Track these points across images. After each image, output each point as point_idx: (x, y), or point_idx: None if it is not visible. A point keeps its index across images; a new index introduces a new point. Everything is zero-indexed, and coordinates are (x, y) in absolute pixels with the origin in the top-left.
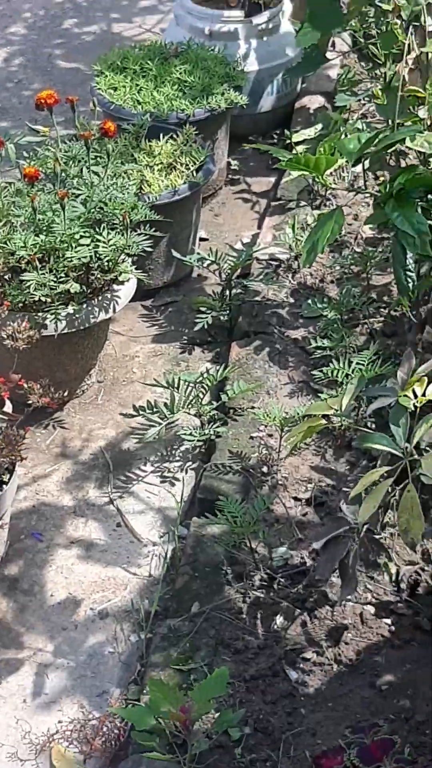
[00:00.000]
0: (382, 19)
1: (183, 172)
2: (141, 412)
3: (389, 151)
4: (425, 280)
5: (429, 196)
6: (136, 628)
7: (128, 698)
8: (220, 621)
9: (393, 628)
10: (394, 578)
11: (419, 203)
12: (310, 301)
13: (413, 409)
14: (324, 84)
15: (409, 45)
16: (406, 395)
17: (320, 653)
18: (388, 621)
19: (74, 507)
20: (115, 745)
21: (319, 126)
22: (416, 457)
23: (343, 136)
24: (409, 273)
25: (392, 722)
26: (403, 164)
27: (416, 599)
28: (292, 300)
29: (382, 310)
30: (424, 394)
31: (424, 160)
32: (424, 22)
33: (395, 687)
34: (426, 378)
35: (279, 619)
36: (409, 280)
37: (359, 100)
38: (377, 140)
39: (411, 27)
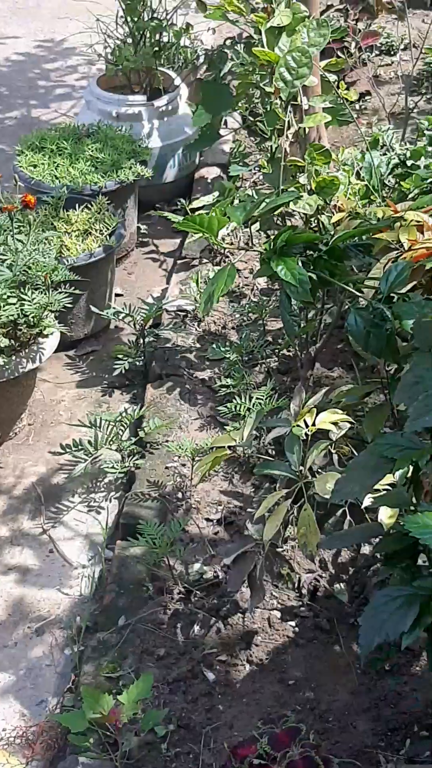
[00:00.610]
0: (266, 99)
1: (98, 237)
2: (68, 450)
3: (276, 212)
4: (310, 323)
5: (308, 252)
6: (70, 642)
7: (65, 705)
8: (144, 632)
9: (297, 629)
10: (296, 586)
11: (300, 257)
12: (214, 346)
13: (305, 437)
14: (219, 157)
15: (288, 122)
16: (298, 425)
17: (234, 655)
18: (293, 623)
19: (10, 537)
20: (54, 748)
21: (216, 193)
22: (310, 479)
23: (236, 202)
24: (294, 318)
25: (299, 712)
26: (288, 224)
27: (316, 603)
28: (198, 345)
29: (277, 351)
30: (314, 424)
31: (307, 220)
32: (300, 101)
33: (301, 681)
34: (315, 409)
35: (196, 628)
36: (294, 323)
37: (250, 170)
38: (262, 205)
39: (290, 106)
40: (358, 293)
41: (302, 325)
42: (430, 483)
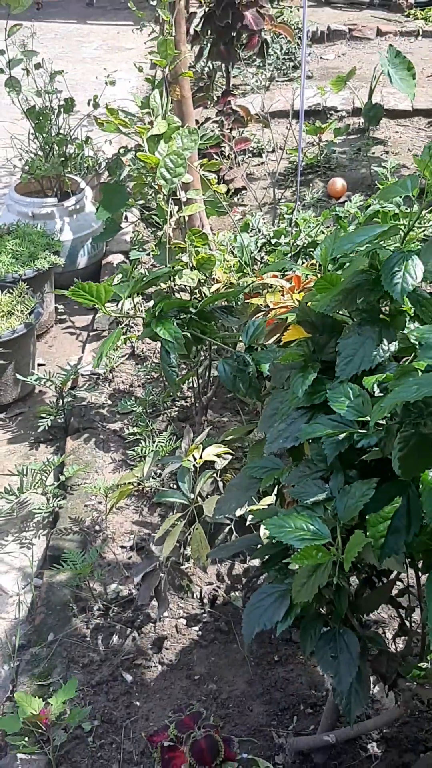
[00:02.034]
0: (156, 196)
1: (19, 316)
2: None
3: (165, 286)
4: (187, 374)
5: (182, 315)
6: (7, 659)
7: (5, 713)
8: (70, 644)
9: (200, 633)
10: (198, 596)
11: (175, 320)
12: (123, 401)
13: (194, 468)
14: (122, 245)
15: (170, 212)
16: (188, 459)
17: (148, 659)
18: (197, 628)
19: None
20: None
21: (120, 275)
22: (200, 503)
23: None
24: (173, 369)
25: (204, 702)
26: (178, 297)
27: (216, 610)
28: (110, 402)
29: (177, 402)
30: (201, 457)
31: (191, 292)
32: (179, 195)
33: (205, 676)
34: (201, 446)
35: (115, 638)
36: (174, 374)
37: (147, 254)
38: (145, 280)
39: (171, 199)
40: (225, 346)
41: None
42: (290, 495)
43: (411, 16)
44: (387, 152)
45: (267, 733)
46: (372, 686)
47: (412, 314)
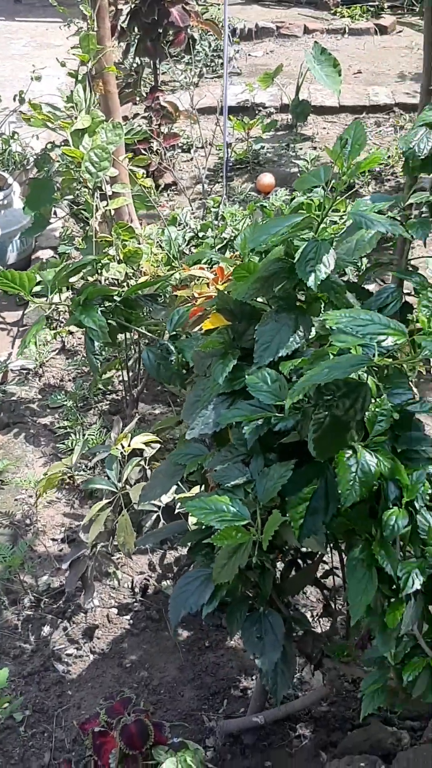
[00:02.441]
0: (83, 190)
1: None
2: None
3: (93, 278)
4: (111, 362)
5: (106, 303)
6: None
7: None
8: (0, 636)
9: (132, 621)
10: (130, 585)
11: (99, 307)
12: (53, 396)
13: (122, 457)
14: (52, 240)
15: (96, 205)
16: (116, 448)
17: (79, 648)
18: (128, 617)
19: None
20: None
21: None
22: (128, 490)
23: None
24: (97, 356)
25: (136, 689)
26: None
27: (147, 598)
28: (40, 396)
29: (108, 396)
30: (129, 445)
31: (119, 285)
32: (105, 189)
33: (136, 663)
34: (130, 435)
35: (46, 629)
36: (98, 361)
37: (75, 248)
38: (69, 268)
39: (97, 193)
40: (149, 333)
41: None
42: (212, 479)
43: (338, 14)
44: (315, 148)
45: (198, 717)
46: (301, 668)
47: (327, 301)
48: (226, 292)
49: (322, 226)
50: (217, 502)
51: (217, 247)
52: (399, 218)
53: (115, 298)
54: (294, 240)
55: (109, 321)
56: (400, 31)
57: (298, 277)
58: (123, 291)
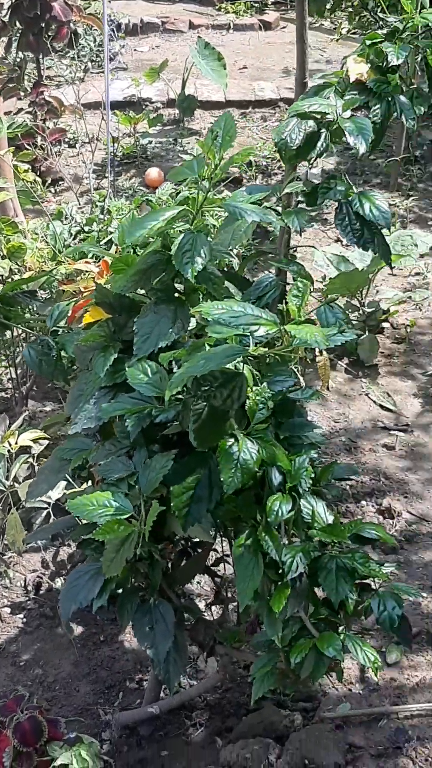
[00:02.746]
0: None
1: None
2: None
3: None
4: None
5: None
6: None
7: None
8: None
9: (25, 620)
10: (23, 584)
11: None
12: None
13: (9, 454)
14: None
15: None
16: (3, 446)
17: None
18: (21, 616)
19: None
20: None
21: None
22: (16, 488)
23: None
24: None
25: (30, 687)
26: None
27: (40, 596)
28: None
29: None
30: (16, 443)
31: (3, 281)
32: None
33: (30, 661)
34: (17, 432)
35: None
36: None
37: None
38: None
39: None
40: (30, 330)
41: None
42: (98, 473)
43: (222, 10)
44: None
45: (94, 711)
46: (195, 656)
47: (205, 292)
48: (105, 285)
49: (198, 218)
50: (99, 498)
51: (103, 241)
52: (278, 208)
53: None
54: (171, 232)
55: None
56: (284, 27)
57: (176, 268)
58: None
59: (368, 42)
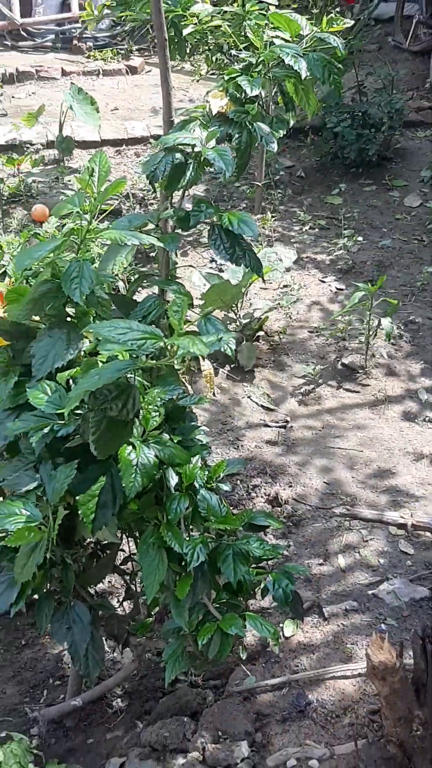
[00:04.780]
0: None
1: None
2: None
3: None
4: None
5: None
6: None
7: None
8: None
9: None
10: None
11: None
12: None
13: None
14: None
15: None
16: None
17: None
18: None
19: None
20: None
21: None
22: None
23: None
24: None
25: None
26: None
27: None
28: None
29: None
30: None
31: None
32: None
33: None
34: None
35: None
36: None
37: None
38: None
39: None
40: None
41: None
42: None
43: (91, 57)
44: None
45: (21, 710)
46: (111, 649)
47: (94, 314)
48: (1, 315)
49: (83, 247)
50: (9, 507)
51: None
52: (156, 234)
53: None
54: (59, 262)
55: None
56: (149, 71)
57: (66, 294)
58: None
59: (227, 77)
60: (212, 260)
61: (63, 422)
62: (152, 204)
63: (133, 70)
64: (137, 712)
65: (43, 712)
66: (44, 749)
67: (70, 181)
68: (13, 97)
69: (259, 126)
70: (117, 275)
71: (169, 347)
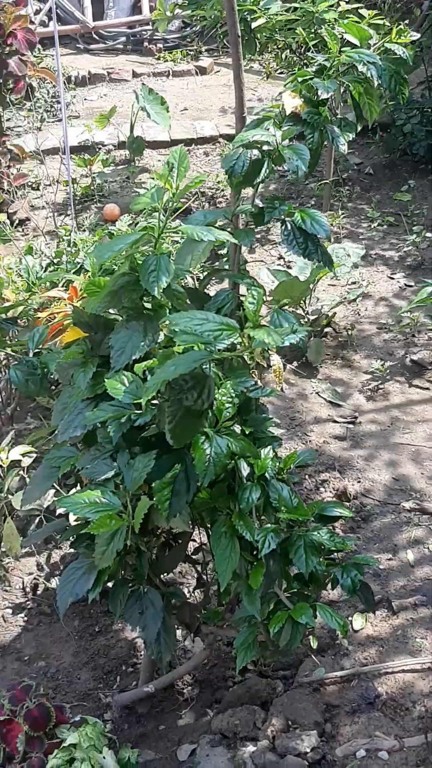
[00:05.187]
0: None
1: None
2: None
3: None
4: None
5: None
6: None
7: None
8: None
9: (26, 618)
10: (21, 586)
11: None
12: None
13: (1, 468)
14: None
15: None
16: None
17: None
18: (22, 615)
19: None
20: None
21: None
22: (10, 499)
23: None
24: None
25: (35, 678)
26: None
27: (38, 596)
28: None
29: None
30: (7, 458)
31: None
32: None
33: (34, 656)
34: (7, 448)
35: None
36: None
37: None
38: None
39: None
40: (12, 354)
41: None
42: (84, 476)
43: (161, 59)
44: (153, 179)
45: (95, 695)
46: (183, 638)
47: (170, 307)
48: (81, 308)
49: (160, 241)
50: (89, 496)
51: (72, 271)
52: (229, 230)
53: None
54: (137, 256)
55: None
56: (218, 71)
57: (143, 287)
58: None
59: (300, 79)
60: (280, 257)
61: (140, 412)
62: (221, 203)
63: (202, 71)
64: (207, 700)
65: (117, 697)
66: (117, 734)
67: (140, 179)
68: (85, 99)
69: (332, 128)
70: (190, 270)
71: (244, 339)
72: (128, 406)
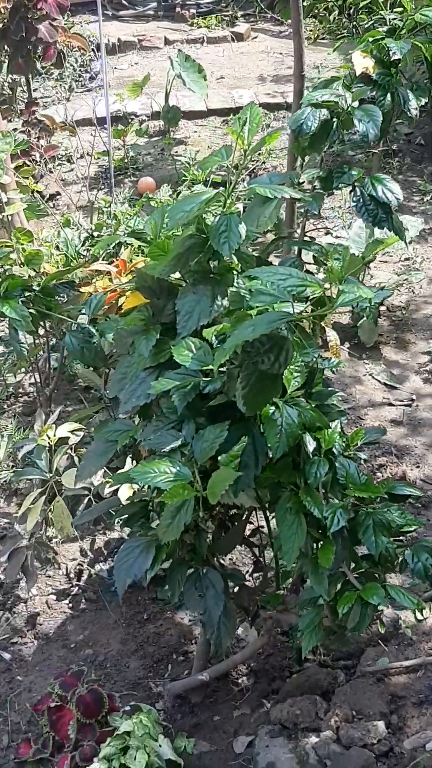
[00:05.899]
0: None
1: None
2: None
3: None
4: (36, 348)
5: (26, 293)
6: None
7: None
8: None
9: (71, 605)
10: (65, 572)
11: (20, 298)
12: None
13: (49, 446)
14: None
15: None
16: (42, 439)
17: (23, 636)
18: (67, 601)
19: None
20: None
21: None
22: (58, 478)
23: None
24: (23, 345)
25: (82, 666)
26: None
27: (83, 582)
28: None
29: (20, 398)
30: (55, 435)
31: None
32: None
33: (80, 643)
34: (54, 425)
35: None
36: (24, 349)
37: None
38: None
39: None
40: (69, 319)
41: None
42: (146, 448)
43: (194, 25)
44: (188, 150)
45: (145, 684)
46: (236, 626)
47: (239, 270)
48: (143, 271)
49: (230, 201)
50: (159, 466)
51: (112, 244)
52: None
53: (34, 288)
54: (204, 217)
55: (30, 310)
56: (255, 37)
57: (212, 250)
58: (40, 281)
59: (370, 39)
60: (327, 232)
61: (209, 379)
62: (261, 175)
63: (238, 37)
64: (264, 690)
65: (169, 686)
66: (170, 723)
67: (176, 151)
68: (115, 68)
69: (404, 91)
70: (260, 233)
71: (330, 294)
72: (195, 373)
